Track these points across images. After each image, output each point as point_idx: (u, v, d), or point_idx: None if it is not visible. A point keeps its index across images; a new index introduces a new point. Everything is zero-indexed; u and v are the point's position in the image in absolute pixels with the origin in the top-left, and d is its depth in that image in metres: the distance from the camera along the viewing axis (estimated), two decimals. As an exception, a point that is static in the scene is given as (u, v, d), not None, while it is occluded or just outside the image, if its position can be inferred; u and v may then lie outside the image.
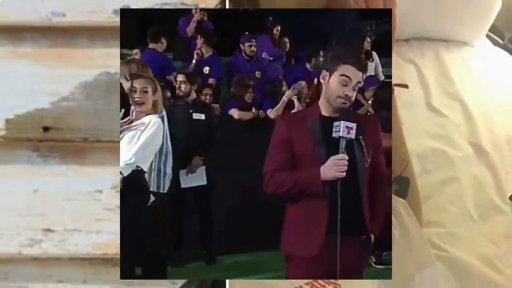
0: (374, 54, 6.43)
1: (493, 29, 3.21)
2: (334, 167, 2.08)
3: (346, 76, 2.14)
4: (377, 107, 5.10)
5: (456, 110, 3.15)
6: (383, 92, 5.18)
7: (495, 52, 3.25)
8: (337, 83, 2.15)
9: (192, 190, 4.26)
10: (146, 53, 5.07)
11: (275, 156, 2.19)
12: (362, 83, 2.30)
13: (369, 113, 5.05)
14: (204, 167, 4.22)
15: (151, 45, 5.13)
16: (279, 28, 6.25)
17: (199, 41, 5.37)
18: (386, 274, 2.38)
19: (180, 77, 4.44)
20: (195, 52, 5.31)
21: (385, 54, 5.97)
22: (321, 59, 5.54)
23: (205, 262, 4.30)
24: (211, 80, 4.65)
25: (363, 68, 2.20)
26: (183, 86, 4.37)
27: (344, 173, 2.07)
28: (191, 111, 4.29)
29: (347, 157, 2.08)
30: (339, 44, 6.21)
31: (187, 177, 4.23)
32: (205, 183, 4.26)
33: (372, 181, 2.21)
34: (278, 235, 2.23)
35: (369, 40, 6.45)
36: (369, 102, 5.13)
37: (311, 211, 2.14)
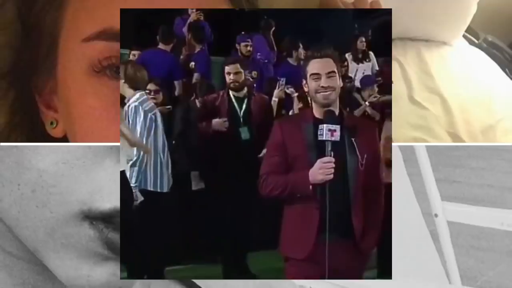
0: (371, 54, 6.61)
1: (469, 30, 3.47)
2: (320, 170, 2.20)
3: (314, 74, 2.28)
4: (377, 108, 5.37)
5: (436, 103, 3.41)
6: (382, 92, 5.44)
7: (471, 50, 3.53)
8: (312, 82, 2.29)
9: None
10: (155, 53, 5.25)
11: (269, 159, 2.35)
12: (342, 67, 2.46)
13: (367, 113, 5.29)
14: None
15: (161, 46, 5.33)
16: (274, 28, 6.45)
17: (188, 38, 5.59)
18: (386, 274, 2.56)
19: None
20: (183, 48, 5.55)
21: (385, 53, 6.01)
22: (301, 51, 5.77)
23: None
24: (196, 76, 4.82)
25: (326, 55, 2.29)
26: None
27: (332, 176, 2.20)
28: None
29: (333, 160, 2.21)
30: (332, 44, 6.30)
31: (199, 179, 4.46)
32: None
33: (368, 188, 2.32)
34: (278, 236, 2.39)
35: (363, 39, 6.59)
36: (367, 102, 5.30)
37: (304, 213, 2.28)
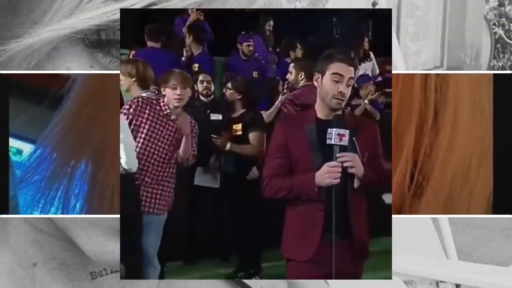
0: (371, 54, 6.63)
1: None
2: (327, 174, 2.19)
3: (338, 74, 2.26)
4: (376, 106, 5.40)
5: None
6: (383, 91, 5.47)
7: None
8: (330, 82, 2.27)
9: (206, 189, 4.46)
10: (147, 52, 5.21)
11: (272, 161, 2.35)
12: (354, 79, 2.43)
13: (366, 109, 5.31)
14: (219, 170, 4.40)
15: (150, 43, 5.34)
16: (272, 23, 6.45)
17: (189, 39, 5.61)
18: (385, 274, 2.50)
19: (205, 77, 4.66)
20: (184, 50, 5.54)
21: (385, 53, 6.03)
22: (299, 51, 5.78)
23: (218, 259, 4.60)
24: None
25: (353, 63, 2.33)
26: (208, 87, 4.59)
27: (338, 180, 2.19)
28: (208, 111, 4.48)
29: (341, 164, 2.19)
30: (334, 44, 6.32)
31: (202, 176, 4.43)
32: (217, 186, 4.44)
33: (369, 186, 2.27)
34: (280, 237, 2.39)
35: (367, 40, 6.63)
36: (366, 101, 5.35)
37: (307, 215, 2.28)
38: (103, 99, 0.74)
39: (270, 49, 6.39)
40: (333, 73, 2.27)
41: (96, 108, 0.74)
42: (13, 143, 0.75)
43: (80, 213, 0.75)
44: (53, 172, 0.74)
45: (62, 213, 0.75)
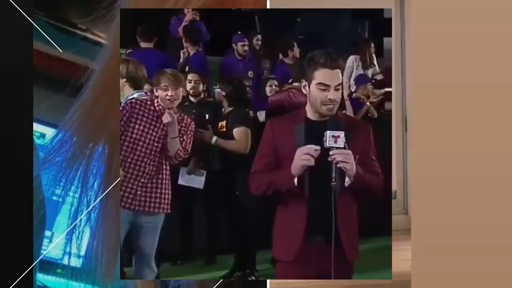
0: (375, 59, 6.57)
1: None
2: (299, 158, 2.16)
3: (323, 84, 2.22)
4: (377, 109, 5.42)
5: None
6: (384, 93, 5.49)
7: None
8: (317, 91, 2.23)
9: (192, 189, 4.40)
10: (140, 52, 5.21)
11: (260, 159, 2.36)
12: (346, 82, 2.45)
13: (370, 115, 5.32)
14: (205, 171, 4.37)
15: (143, 44, 5.37)
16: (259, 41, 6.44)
17: (183, 40, 5.63)
18: (386, 274, 2.56)
19: (193, 76, 4.58)
20: (181, 52, 5.59)
21: (380, 54, 6.15)
22: (296, 49, 5.80)
23: (204, 261, 4.58)
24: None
25: (337, 65, 2.24)
26: (196, 86, 4.55)
27: (312, 163, 2.15)
28: (194, 110, 4.40)
29: (314, 147, 2.15)
30: (330, 45, 6.17)
31: (187, 176, 4.37)
32: (201, 187, 4.38)
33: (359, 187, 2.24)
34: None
35: (373, 45, 6.37)
36: (368, 103, 5.35)
37: (292, 215, 2.29)
38: (119, 88, 0.82)
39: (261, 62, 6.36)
40: (318, 83, 2.25)
41: (112, 96, 0.81)
42: (37, 127, 0.83)
43: (98, 191, 0.82)
44: (73, 154, 0.81)
45: (81, 191, 0.82)
